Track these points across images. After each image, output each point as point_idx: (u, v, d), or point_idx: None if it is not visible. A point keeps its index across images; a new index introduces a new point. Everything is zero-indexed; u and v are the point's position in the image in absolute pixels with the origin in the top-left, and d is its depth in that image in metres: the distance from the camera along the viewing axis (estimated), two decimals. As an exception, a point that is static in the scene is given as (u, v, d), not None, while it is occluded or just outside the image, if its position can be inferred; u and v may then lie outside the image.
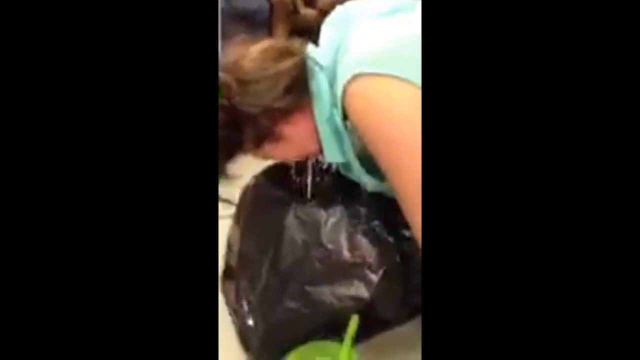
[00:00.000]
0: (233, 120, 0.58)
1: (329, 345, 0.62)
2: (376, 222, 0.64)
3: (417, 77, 0.51)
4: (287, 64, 0.58)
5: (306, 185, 0.73)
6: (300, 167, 0.78)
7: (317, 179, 0.77)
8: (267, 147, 0.62)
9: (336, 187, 0.73)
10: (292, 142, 0.62)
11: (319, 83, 0.59)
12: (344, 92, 0.53)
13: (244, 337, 0.66)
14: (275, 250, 0.65)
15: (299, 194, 0.69)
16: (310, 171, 0.75)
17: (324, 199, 0.67)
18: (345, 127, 0.58)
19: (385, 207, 0.66)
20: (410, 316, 0.68)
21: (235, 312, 0.69)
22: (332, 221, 0.64)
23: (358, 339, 0.62)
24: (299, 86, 0.59)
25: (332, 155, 0.62)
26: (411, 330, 0.67)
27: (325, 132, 0.60)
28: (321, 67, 0.59)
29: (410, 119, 0.50)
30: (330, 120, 0.59)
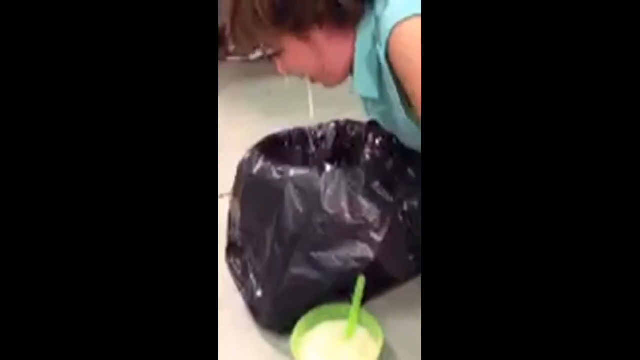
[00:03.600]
0: None
1: (338, 307, 0.63)
2: (376, 184, 0.64)
3: None
4: None
5: (306, 155, 0.73)
6: (295, 137, 0.78)
7: (313, 148, 0.77)
8: (290, 41, 0.61)
9: (334, 153, 0.73)
10: (316, 51, 0.61)
11: (371, 16, 0.59)
12: (393, 30, 0.54)
13: (254, 308, 0.67)
14: (278, 221, 0.65)
15: (295, 163, 0.69)
16: (311, 140, 0.75)
17: (322, 165, 0.67)
18: (389, 64, 0.57)
19: (384, 168, 0.67)
20: (416, 272, 0.69)
21: (244, 286, 0.70)
22: (331, 186, 0.64)
23: (366, 298, 0.63)
24: (364, 3, 0.59)
25: (363, 88, 0.62)
26: (419, 287, 0.69)
27: (360, 65, 0.61)
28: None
29: None
30: (369, 55, 0.59)
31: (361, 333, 0.60)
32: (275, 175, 0.66)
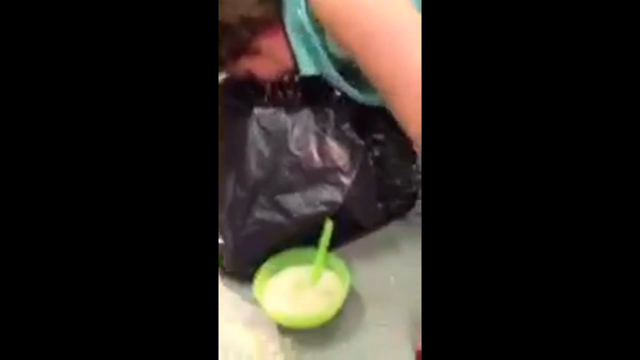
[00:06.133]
0: None
1: (304, 252, 0.60)
2: (346, 125, 0.61)
3: None
4: None
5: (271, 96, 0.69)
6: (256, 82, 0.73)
7: (279, 91, 0.73)
8: (245, 62, 0.61)
9: (301, 96, 0.69)
10: (269, 55, 0.60)
11: None
12: None
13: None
14: (241, 164, 0.61)
15: (258, 101, 0.65)
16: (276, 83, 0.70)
17: (289, 104, 0.63)
18: (315, 29, 0.56)
19: (355, 109, 0.63)
20: (385, 221, 0.67)
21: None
22: (299, 127, 0.61)
23: (333, 245, 0.61)
24: None
25: (306, 66, 0.60)
26: (387, 235, 0.67)
27: (296, 41, 0.58)
28: None
29: (382, 9, 0.49)
30: (299, 26, 0.57)
31: (328, 276, 0.58)
32: (238, 114, 0.62)
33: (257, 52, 0.60)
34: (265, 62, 0.61)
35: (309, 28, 0.56)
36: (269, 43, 0.59)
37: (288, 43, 0.59)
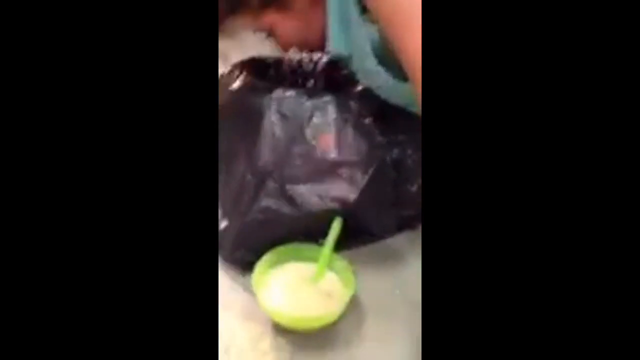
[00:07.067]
0: None
1: (307, 248, 0.57)
2: (368, 119, 0.58)
3: None
4: None
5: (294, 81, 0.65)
6: (283, 63, 0.70)
7: (303, 76, 0.70)
8: (272, 14, 0.56)
9: (325, 84, 0.66)
10: (301, 14, 0.56)
11: None
12: None
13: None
14: (253, 145, 0.58)
15: (279, 84, 0.61)
16: (301, 68, 0.67)
17: (311, 90, 0.59)
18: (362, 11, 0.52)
19: (377, 105, 0.60)
20: (398, 229, 0.64)
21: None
22: (318, 114, 0.57)
23: (340, 247, 0.57)
24: None
25: (336, 43, 0.56)
26: (396, 246, 0.63)
27: (334, 17, 0.54)
28: None
29: None
30: (340, 4, 0.53)
31: (330, 277, 0.54)
32: (256, 94, 0.59)
33: (289, 7, 0.56)
34: (295, 21, 0.57)
35: (352, 9, 0.52)
36: (301, 1, 0.56)
37: (325, 12, 0.55)
